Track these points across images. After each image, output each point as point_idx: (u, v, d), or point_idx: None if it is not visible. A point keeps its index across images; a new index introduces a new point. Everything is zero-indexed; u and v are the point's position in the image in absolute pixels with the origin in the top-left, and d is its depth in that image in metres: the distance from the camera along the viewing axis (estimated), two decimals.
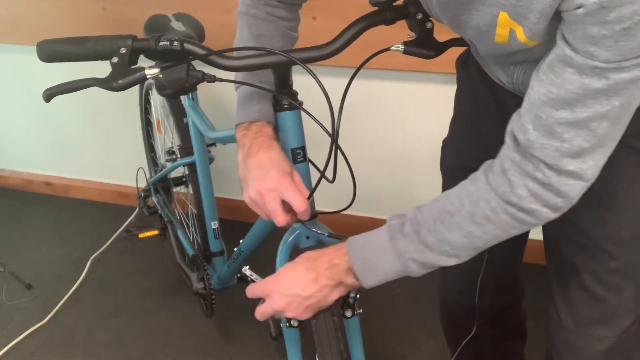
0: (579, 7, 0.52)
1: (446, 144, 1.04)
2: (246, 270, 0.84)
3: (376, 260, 0.73)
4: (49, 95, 0.73)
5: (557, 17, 0.57)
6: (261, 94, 0.84)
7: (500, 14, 0.59)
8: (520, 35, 0.60)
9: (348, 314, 0.88)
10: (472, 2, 0.61)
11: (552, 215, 0.66)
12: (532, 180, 0.64)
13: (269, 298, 0.78)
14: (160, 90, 0.76)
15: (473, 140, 0.96)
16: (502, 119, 0.87)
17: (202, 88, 0.95)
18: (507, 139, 0.67)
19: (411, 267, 0.72)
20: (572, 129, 0.59)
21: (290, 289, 0.76)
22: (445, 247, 0.70)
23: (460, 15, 0.64)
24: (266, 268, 0.89)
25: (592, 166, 0.62)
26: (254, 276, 0.86)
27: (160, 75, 0.74)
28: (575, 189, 0.64)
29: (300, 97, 0.85)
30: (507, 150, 0.66)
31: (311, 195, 0.81)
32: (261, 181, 0.77)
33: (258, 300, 1.60)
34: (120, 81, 0.72)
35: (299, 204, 0.77)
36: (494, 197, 0.66)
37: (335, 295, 0.77)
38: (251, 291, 0.82)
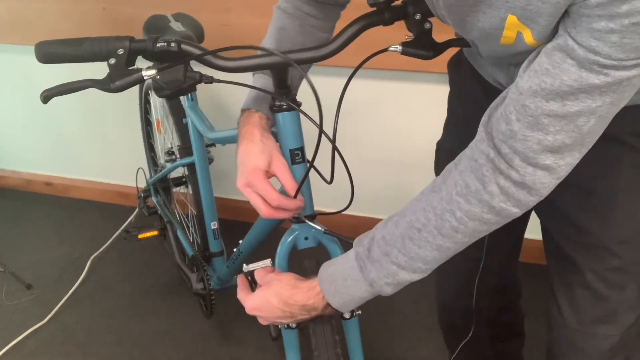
0: None
1: (440, 147, 1.04)
2: (245, 267, 0.84)
3: (350, 292, 0.73)
4: (47, 96, 0.73)
5: (564, 15, 0.56)
6: (267, 84, 0.84)
7: (509, 17, 0.58)
8: (528, 38, 0.59)
9: (347, 315, 0.88)
10: (479, 4, 0.60)
11: (518, 214, 0.66)
12: (504, 178, 0.63)
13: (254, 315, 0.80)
14: (158, 92, 0.76)
15: (468, 143, 0.95)
16: None
17: (202, 88, 0.94)
18: (481, 131, 0.65)
19: (386, 290, 0.72)
20: (560, 122, 0.58)
21: (269, 318, 0.79)
22: (419, 264, 0.69)
23: (466, 17, 0.64)
24: None
25: (568, 163, 0.62)
26: (254, 267, 0.86)
27: (158, 77, 0.74)
28: (548, 187, 0.63)
29: (299, 98, 0.85)
30: (480, 144, 0.65)
31: (298, 191, 0.80)
32: (240, 177, 0.79)
33: None
34: (117, 82, 0.71)
35: (273, 200, 0.77)
36: (457, 207, 0.65)
37: (313, 317, 0.78)
38: (239, 296, 0.84)
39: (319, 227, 0.86)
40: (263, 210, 0.78)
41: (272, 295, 0.77)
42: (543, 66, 0.57)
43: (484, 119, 0.65)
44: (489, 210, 0.65)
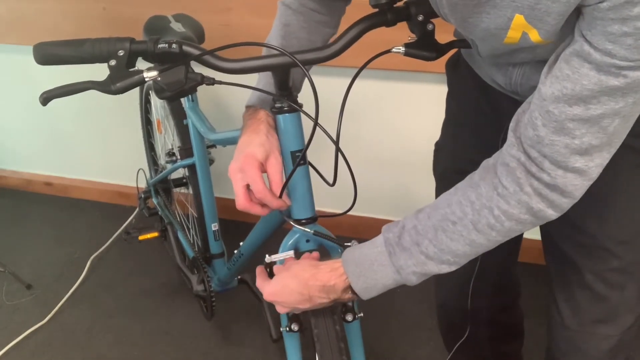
0: (602, 1, 0.51)
1: (439, 148, 1.04)
2: (267, 258, 0.85)
3: (376, 276, 0.72)
4: (46, 98, 0.72)
5: (574, 13, 0.56)
6: (271, 82, 0.84)
7: (516, 16, 0.58)
8: (535, 37, 0.59)
9: (349, 318, 0.88)
10: (483, 4, 0.61)
11: (554, 216, 0.66)
12: (536, 181, 0.64)
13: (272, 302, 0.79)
14: (159, 93, 0.75)
15: (466, 144, 0.95)
16: (496, 121, 0.87)
17: (202, 90, 0.94)
18: (511, 136, 0.66)
19: (411, 279, 0.72)
20: (584, 125, 0.59)
21: (287, 303, 0.77)
22: (448, 256, 0.69)
23: (468, 18, 0.64)
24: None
25: (598, 164, 0.62)
26: (276, 258, 0.86)
27: (159, 78, 0.73)
28: (580, 189, 0.64)
29: (300, 99, 0.85)
30: (510, 149, 0.65)
31: (282, 191, 0.80)
32: (233, 162, 0.79)
33: (257, 301, 1.59)
34: (118, 84, 0.71)
35: (257, 191, 0.78)
36: (497, 205, 0.65)
37: (332, 302, 0.77)
38: (257, 283, 0.83)
39: (308, 230, 0.86)
40: (241, 200, 0.78)
41: (290, 277, 0.76)
42: (563, 72, 0.58)
43: (511, 124, 0.66)
44: (527, 211, 0.65)
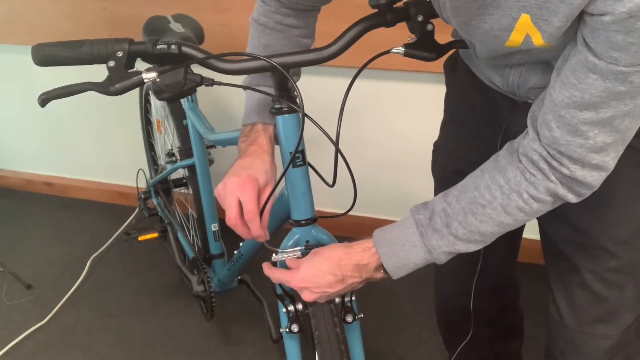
0: (604, 14, 0.52)
1: (437, 148, 1.04)
2: (274, 257, 0.85)
3: (408, 256, 0.74)
4: (44, 100, 0.72)
5: (577, 17, 0.56)
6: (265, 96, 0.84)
7: (522, 16, 0.59)
8: (538, 40, 0.60)
9: (349, 319, 0.88)
10: (486, 6, 0.61)
11: (575, 200, 0.69)
12: (558, 172, 0.66)
13: (298, 290, 0.80)
14: (158, 94, 0.75)
15: (466, 144, 0.96)
16: (494, 122, 0.87)
17: (202, 90, 0.94)
18: (530, 129, 0.68)
19: (441, 258, 0.74)
20: (596, 127, 0.61)
21: (319, 287, 0.78)
22: (476, 237, 0.72)
23: (471, 20, 0.64)
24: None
25: (613, 157, 0.65)
26: (285, 256, 0.86)
27: (158, 79, 0.73)
28: (599, 179, 0.67)
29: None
30: (532, 142, 0.67)
31: (261, 213, 0.80)
32: (231, 177, 0.80)
33: (257, 302, 1.59)
34: (117, 85, 0.71)
35: (248, 211, 0.79)
36: (526, 190, 0.68)
37: (362, 284, 0.79)
38: (275, 278, 0.83)
39: (298, 248, 0.86)
40: (233, 214, 0.79)
41: (322, 260, 0.77)
42: (570, 80, 0.60)
43: (528, 120, 0.69)
44: (552, 195, 0.68)
